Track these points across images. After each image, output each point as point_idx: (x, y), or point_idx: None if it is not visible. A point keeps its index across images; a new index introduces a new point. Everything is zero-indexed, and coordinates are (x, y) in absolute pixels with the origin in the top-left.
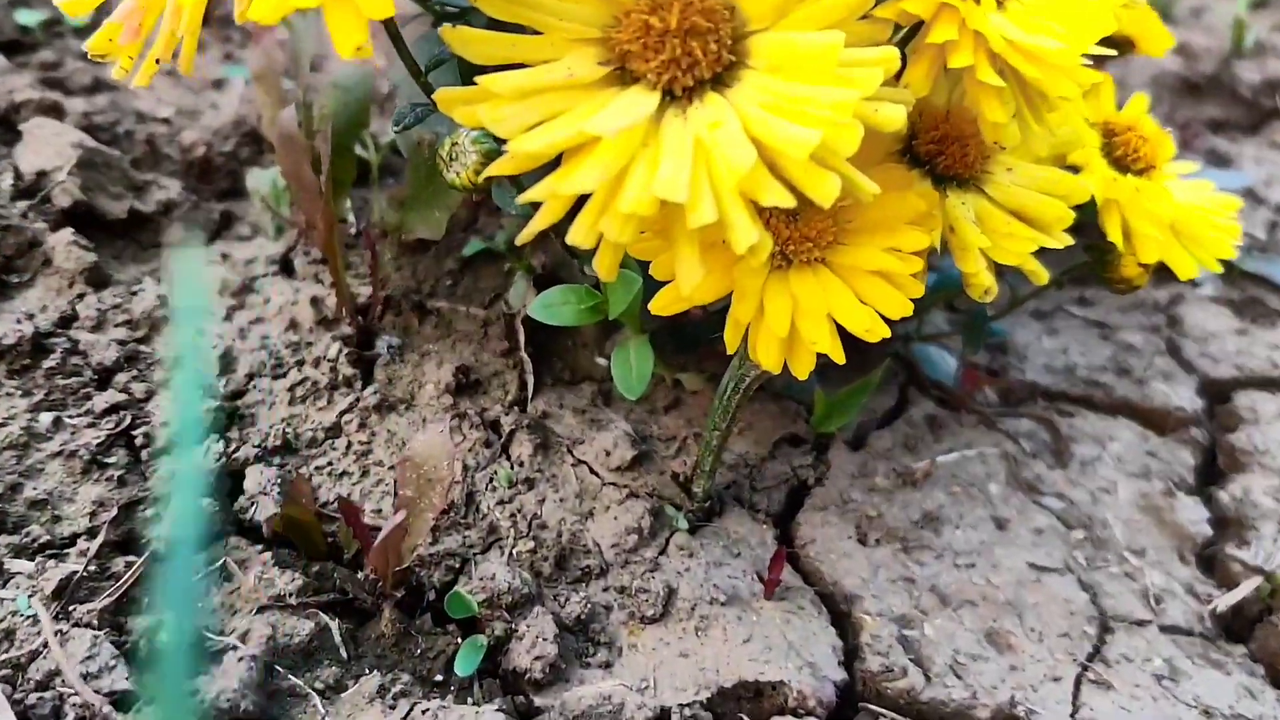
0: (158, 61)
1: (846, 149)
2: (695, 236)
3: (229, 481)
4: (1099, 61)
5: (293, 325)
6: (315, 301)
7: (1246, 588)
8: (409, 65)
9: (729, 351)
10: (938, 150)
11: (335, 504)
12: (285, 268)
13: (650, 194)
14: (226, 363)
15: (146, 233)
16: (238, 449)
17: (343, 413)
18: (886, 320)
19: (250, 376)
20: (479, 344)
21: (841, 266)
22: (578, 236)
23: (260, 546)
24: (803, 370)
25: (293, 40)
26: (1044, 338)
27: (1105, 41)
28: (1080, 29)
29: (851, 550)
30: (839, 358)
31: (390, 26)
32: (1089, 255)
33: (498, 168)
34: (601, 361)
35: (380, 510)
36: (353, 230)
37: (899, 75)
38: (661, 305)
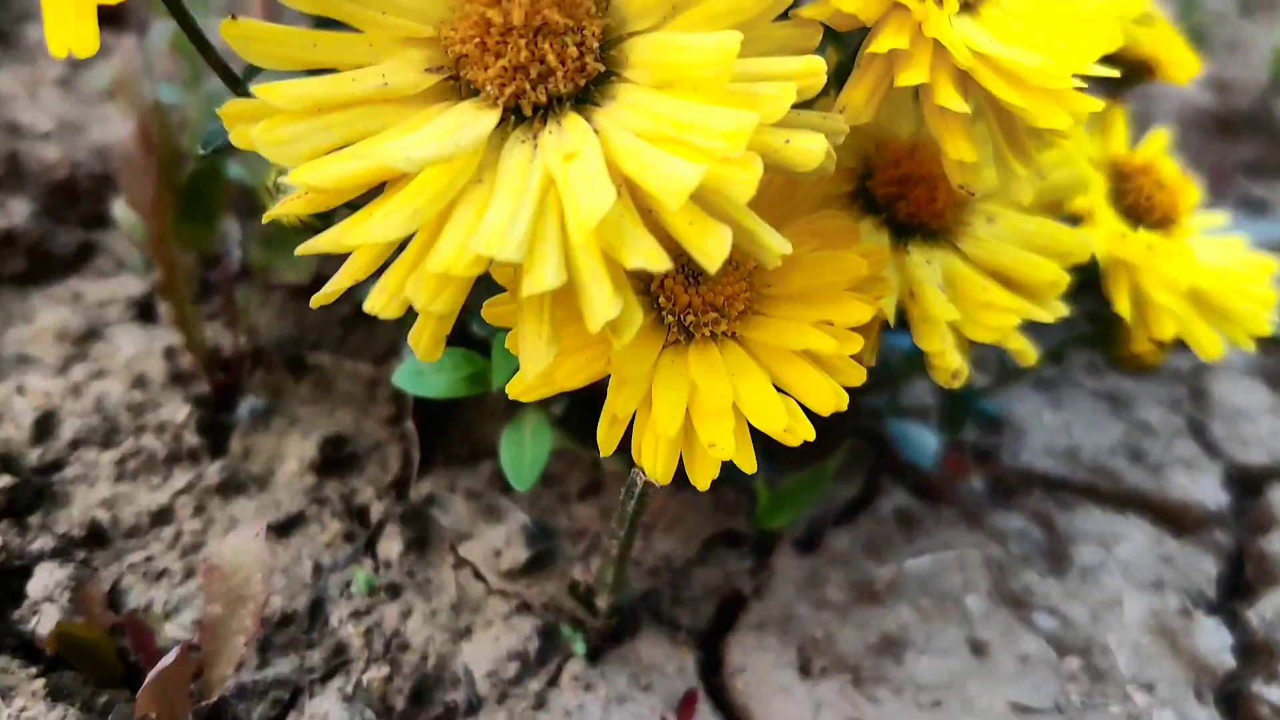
0: None
1: (740, 193)
2: (544, 305)
3: (15, 581)
4: (1109, 90)
5: (139, 382)
6: (170, 354)
7: None
8: (220, 73)
9: (603, 455)
10: (898, 193)
11: (144, 614)
12: (144, 312)
13: (470, 249)
14: (47, 427)
15: None
16: (34, 539)
17: (178, 493)
18: (810, 416)
19: (75, 445)
20: (362, 409)
21: (758, 344)
22: (377, 304)
23: (38, 668)
24: (703, 480)
25: (146, 42)
26: (1045, 412)
27: (1117, 66)
28: (1076, 42)
29: (790, 683)
30: (748, 466)
31: (185, 20)
32: (1091, 326)
33: (287, 206)
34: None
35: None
36: (235, 269)
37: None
38: (520, 390)
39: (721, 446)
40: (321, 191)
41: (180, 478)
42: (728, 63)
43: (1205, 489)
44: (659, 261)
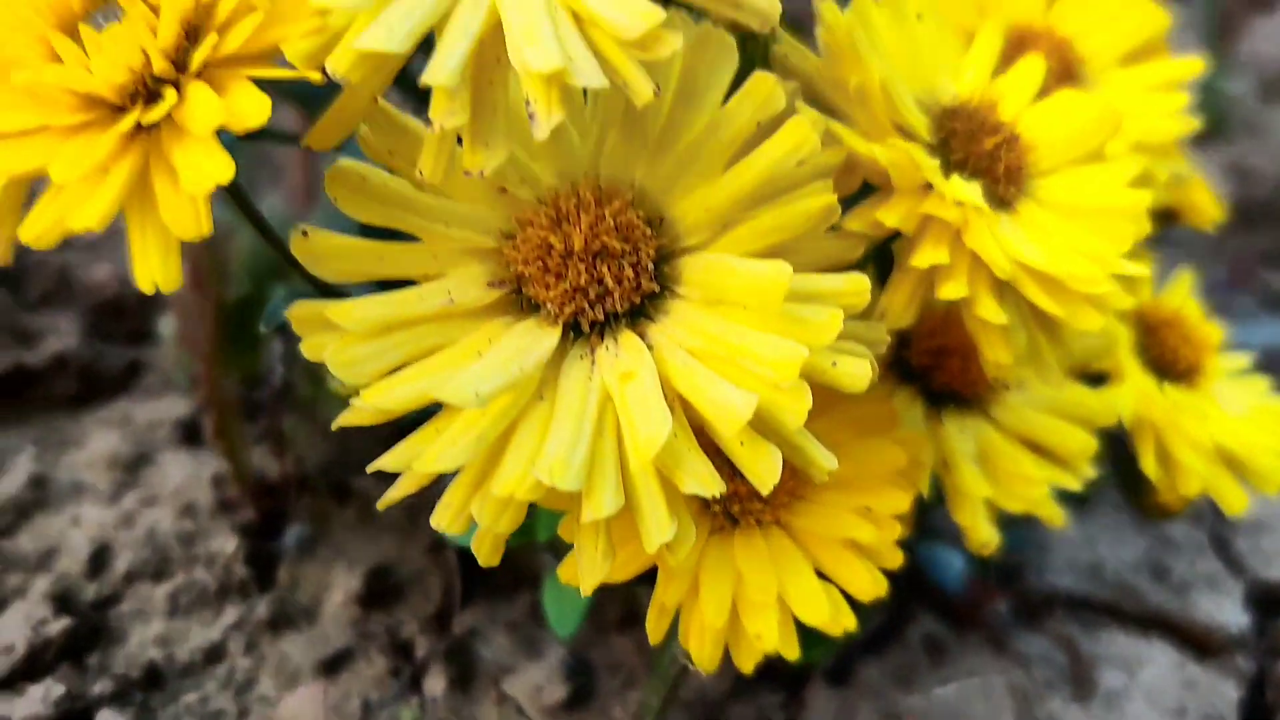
0: None
1: (790, 421)
2: (602, 524)
3: None
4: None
5: (188, 510)
6: (218, 481)
7: None
8: (281, 254)
9: (652, 643)
10: (933, 364)
11: None
12: (191, 434)
13: (533, 476)
14: (102, 560)
15: (33, 391)
16: (94, 681)
17: (230, 628)
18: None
19: (130, 578)
20: (404, 534)
21: (801, 532)
22: (443, 521)
23: None
24: (747, 665)
25: None
26: (1069, 524)
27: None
28: (1111, 234)
29: None
30: (791, 654)
31: (244, 202)
32: (1115, 473)
33: (351, 418)
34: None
35: None
36: (278, 385)
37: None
38: (571, 575)
39: (767, 638)
40: (385, 414)
41: (231, 612)
42: (778, 293)
43: (1228, 611)
44: (713, 486)
